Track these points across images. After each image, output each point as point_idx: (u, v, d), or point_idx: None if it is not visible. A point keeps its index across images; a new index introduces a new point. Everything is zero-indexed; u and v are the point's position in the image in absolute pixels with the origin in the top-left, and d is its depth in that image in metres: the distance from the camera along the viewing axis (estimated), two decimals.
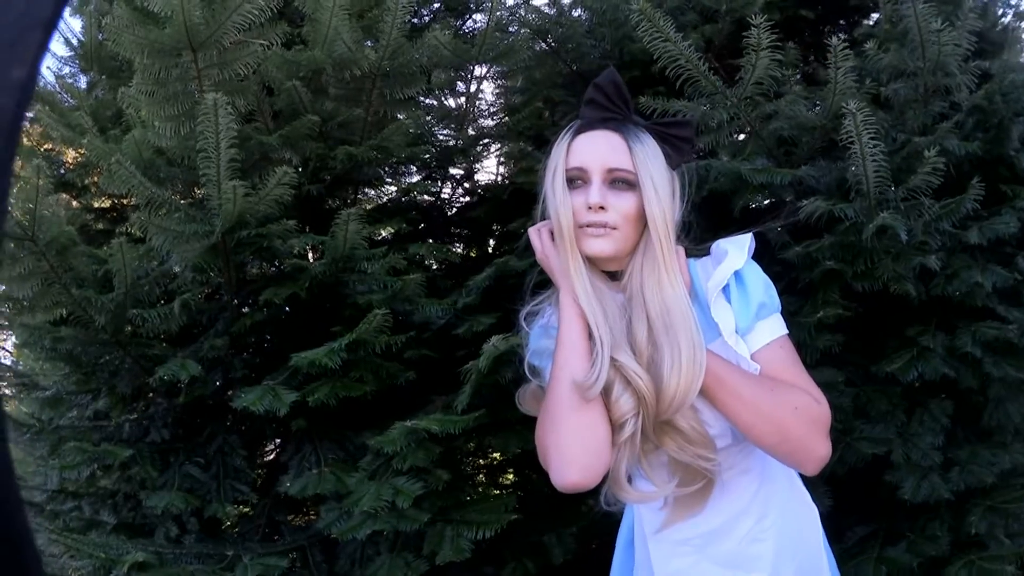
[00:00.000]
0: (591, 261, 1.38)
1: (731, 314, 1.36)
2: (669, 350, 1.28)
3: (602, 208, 1.34)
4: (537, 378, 1.45)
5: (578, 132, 1.40)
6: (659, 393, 1.27)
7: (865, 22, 2.60)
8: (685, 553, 1.43)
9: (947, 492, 2.09)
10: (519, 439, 2.34)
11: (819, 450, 1.28)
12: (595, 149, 1.37)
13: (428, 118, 2.78)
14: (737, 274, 1.39)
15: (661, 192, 1.33)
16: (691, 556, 1.42)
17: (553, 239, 1.40)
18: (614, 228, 1.34)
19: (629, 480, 1.33)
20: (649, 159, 1.35)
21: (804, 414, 1.28)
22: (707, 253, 1.47)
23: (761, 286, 1.39)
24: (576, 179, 1.37)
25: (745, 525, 1.41)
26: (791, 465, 1.35)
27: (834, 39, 1.91)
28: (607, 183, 1.35)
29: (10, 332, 2.82)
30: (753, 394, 1.28)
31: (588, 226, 1.35)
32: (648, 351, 1.31)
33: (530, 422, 2.33)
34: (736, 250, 1.40)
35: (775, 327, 1.37)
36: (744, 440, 1.35)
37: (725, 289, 1.39)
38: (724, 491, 1.38)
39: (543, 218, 1.44)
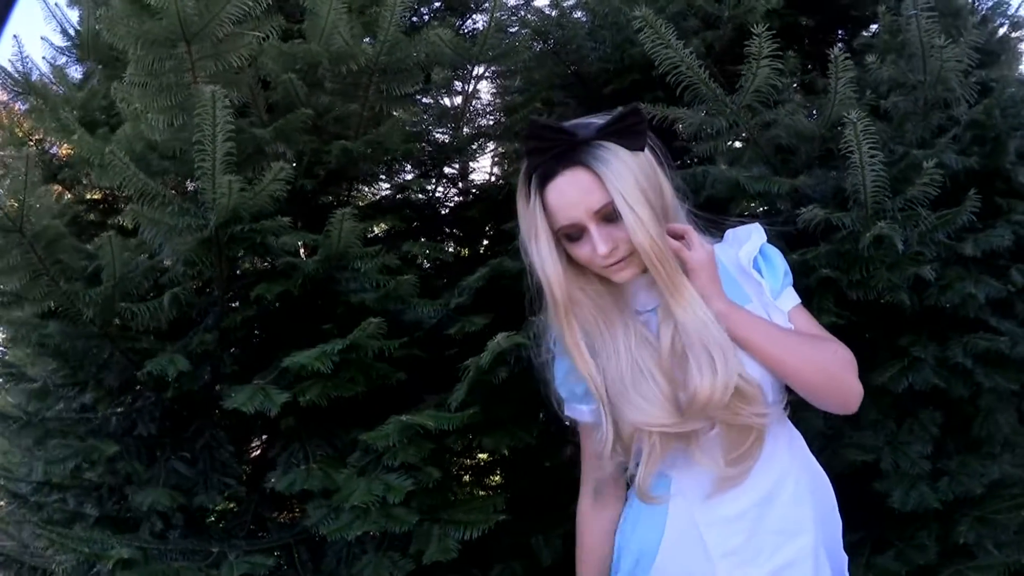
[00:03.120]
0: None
1: (764, 281, 1.52)
2: (695, 360, 1.36)
3: (614, 249, 1.38)
4: (560, 406, 1.58)
5: (543, 185, 1.39)
6: (691, 399, 1.35)
7: (864, 33, 2.61)
8: (740, 530, 1.43)
9: (936, 502, 2.10)
10: (511, 438, 2.33)
11: (858, 387, 1.46)
12: (571, 201, 1.37)
13: (425, 116, 2.76)
14: (760, 248, 1.55)
15: (640, 211, 1.33)
16: (745, 532, 1.43)
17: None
18: (630, 254, 1.39)
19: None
20: (619, 179, 1.34)
21: (841, 356, 1.46)
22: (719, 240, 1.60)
23: (781, 258, 1.57)
24: (570, 232, 1.40)
25: (788, 487, 1.46)
26: (834, 406, 1.48)
27: (835, 49, 1.91)
28: (601, 223, 1.37)
29: None
30: (797, 343, 1.44)
31: (610, 265, 1.40)
32: (670, 359, 1.40)
33: (520, 419, 2.35)
34: (756, 230, 1.57)
35: (795, 294, 1.55)
36: (778, 399, 1.46)
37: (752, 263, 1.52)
38: (766, 454, 1.43)
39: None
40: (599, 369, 1.42)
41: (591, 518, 1.62)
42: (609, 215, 1.36)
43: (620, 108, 1.41)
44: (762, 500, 1.43)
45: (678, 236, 1.44)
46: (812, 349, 1.44)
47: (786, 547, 1.43)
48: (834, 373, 1.43)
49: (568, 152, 1.37)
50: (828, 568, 1.50)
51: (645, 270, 1.40)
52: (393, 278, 2.25)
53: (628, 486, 1.57)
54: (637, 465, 1.44)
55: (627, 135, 1.38)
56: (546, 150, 1.37)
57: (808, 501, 1.47)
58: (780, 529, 1.43)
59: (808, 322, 1.54)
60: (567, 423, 1.63)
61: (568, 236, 1.41)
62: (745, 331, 1.40)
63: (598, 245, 1.36)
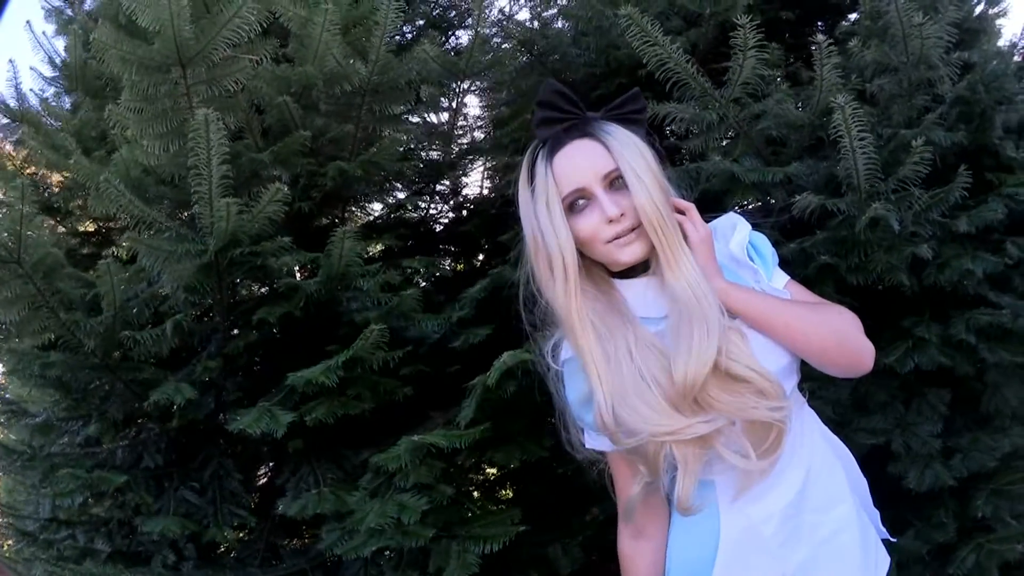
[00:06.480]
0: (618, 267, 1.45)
1: (757, 266, 1.51)
2: (676, 338, 1.34)
3: (622, 215, 1.37)
4: (576, 439, 1.51)
5: (551, 155, 1.42)
6: (674, 382, 1.32)
7: (843, 22, 2.65)
8: (791, 515, 1.40)
9: (950, 479, 2.11)
10: (522, 451, 2.32)
11: (869, 344, 1.44)
12: (580, 164, 1.40)
13: (416, 134, 2.78)
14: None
15: (645, 178, 1.37)
16: (796, 517, 1.40)
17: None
18: (637, 227, 1.39)
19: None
20: (625, 149, 1.39)
21: (847, 317, 1.46)
22: None
23: (765, 240, 1.57)
24: (578, 200, 1.40)
25: (821, 463, 1.45)
26: (851, 368, 1.46)
27: (819, 36, 1.94)
28: (609, 189, 1.39)
29: None
30: (802, 308, 1.43)
31: (616, 238, 1.39)
32: (670, 334, 1.37)
33: (531, 432, 2.34)
34: (739, 220, 1.56)
35: (783, 272, 1.56)
36: (794, 383, 1.43)
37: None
38: (796, 440, 1.41)
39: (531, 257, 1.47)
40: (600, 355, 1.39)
41: (633, 551, 1.53)
42: (615, 183, 1.39)
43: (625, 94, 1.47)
44: (804, 484, 1.41)
45: (681, 211, 1.46)
46: (817, 313, 1.44)
47: (829, 519, 1.42)
48: (844, 332, 1.42)
49: (577, 125, 1.43)
50: (871, 526, 1.51)
51: (649, 250, 1.40)
52: (396, 295, 2.24)
53: (669, 511, 1.51)
54: (669, 483, 1.40)
55: (629, 121, 1.45)
56: (556, 122, 1.44)
57: (839, 468, 1.48)
58: (823, 505, 1.42)
59: (804, 293, 1.54)
60: (589, 454, 1.52)
61: (573, 207, 1.41)
62: (746, 305, 1.40)
63: (607, 207, 1.37)
